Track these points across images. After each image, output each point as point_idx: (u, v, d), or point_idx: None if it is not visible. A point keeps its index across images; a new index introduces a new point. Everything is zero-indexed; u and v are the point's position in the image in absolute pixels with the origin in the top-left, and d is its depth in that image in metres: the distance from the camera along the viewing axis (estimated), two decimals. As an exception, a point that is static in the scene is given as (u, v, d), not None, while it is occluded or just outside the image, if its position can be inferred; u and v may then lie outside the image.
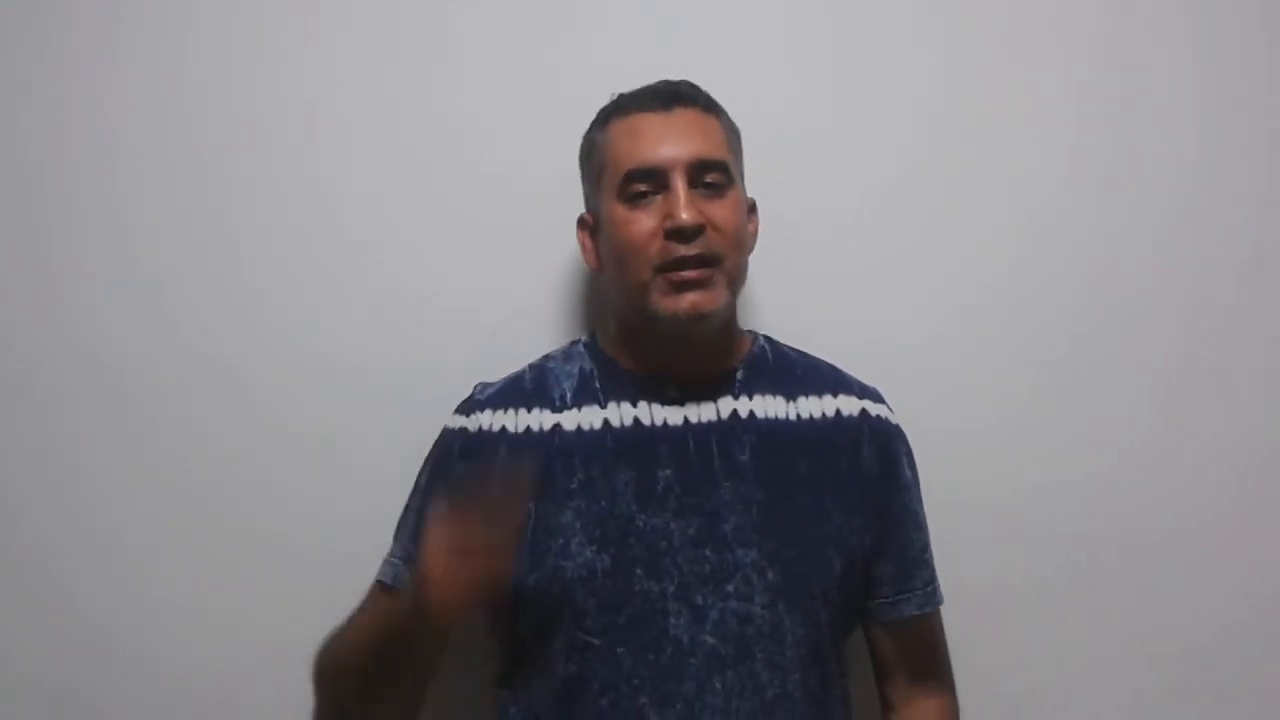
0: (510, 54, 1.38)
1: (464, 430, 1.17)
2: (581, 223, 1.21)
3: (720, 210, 1.11)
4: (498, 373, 1.23)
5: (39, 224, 1.36)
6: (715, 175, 1.12)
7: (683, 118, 1.14)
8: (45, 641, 1.35)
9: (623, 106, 1.17)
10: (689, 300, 1.10)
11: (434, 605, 0.99)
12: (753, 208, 1.20)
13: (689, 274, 1.09)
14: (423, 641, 1.07)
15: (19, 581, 1.36)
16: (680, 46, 1.35)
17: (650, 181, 1.11)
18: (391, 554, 1.19)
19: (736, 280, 1.14)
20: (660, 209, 1.11)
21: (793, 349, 1.24)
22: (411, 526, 1.17)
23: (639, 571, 1.10)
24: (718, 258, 1.11)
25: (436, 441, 1.20)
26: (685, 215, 1.09)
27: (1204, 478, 1.39)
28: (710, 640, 1.09)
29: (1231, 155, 1.41)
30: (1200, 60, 1.41)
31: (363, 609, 1.16)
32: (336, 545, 1.35)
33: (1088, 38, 1.41)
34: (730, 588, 1.10)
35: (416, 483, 1.20)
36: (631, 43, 1.36)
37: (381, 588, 1.18)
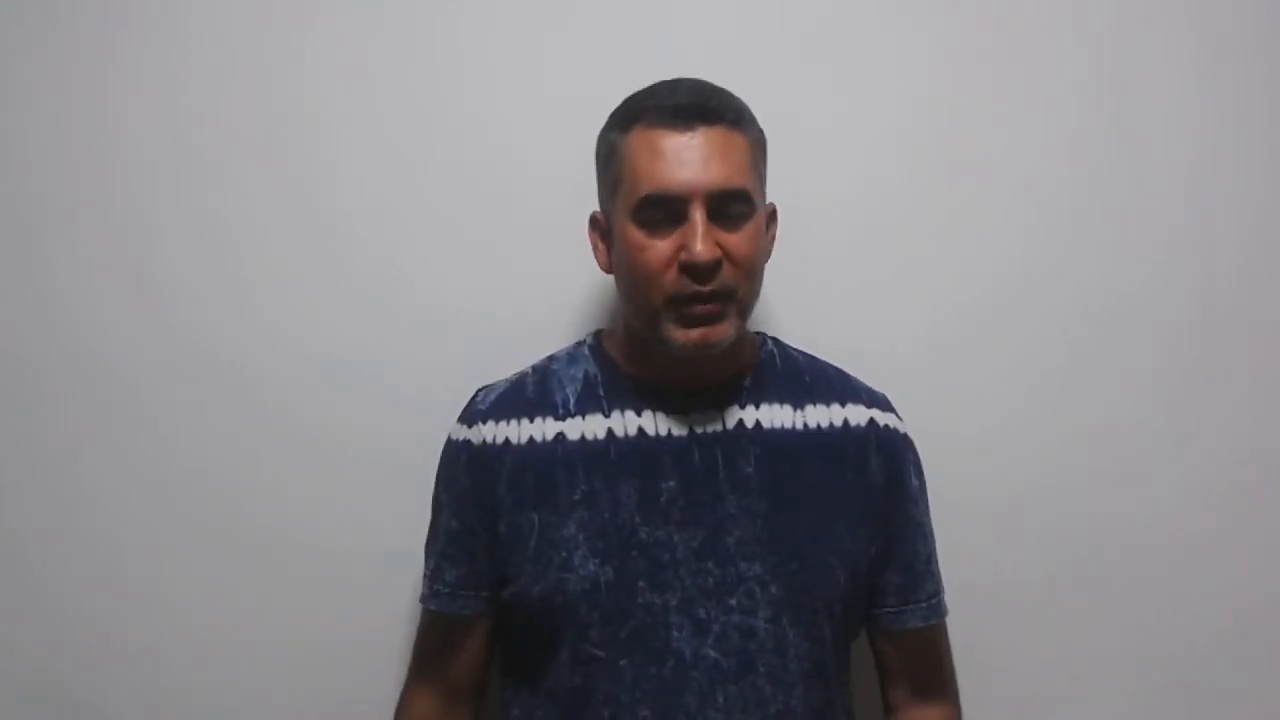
0: (512, 53, 1.37)
1: (468, 443, 1.16)
2: (594, 222, 1.18)
3: (739, 242, 1.08)
4: (498, 373, 1.22)
5: (39, 224, 1.36)
6: (736, 206, 1.08)
7: (706, 138, 1.08)
8: (45, 642, 1.35)
9: (644, 114, 1.10)
10: (699, 333, 1.08)
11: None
12: (773, 215, 1.18)
13: (701, 310, 1.08)
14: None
15: (19, 581, 1.36)
16: (683, 45, 1.35)
17: (666, 209, 1.07)
18: (433, 579, 1.18)
19: (748, 307, 1.12)
20: (676, 240, 1.07)
21: (800, 352, 1.23)
22: (441, 549, 1.18)
23: (642, 584, 1.09)
24: (732, 291, 1.08)
25: (443, 454, 1.19)
26: (701, 250, 1.05)
27: (1206, 479, 1.39)
28: (713, 654, 1.09)
29: (1232, 158, 1.40)
30: (1201, 61, 1.41)
31: (427, 653, 1.20)
32: (336, 545, 1.35)
33: (1090, 40, 1.40)
34: (733, 601, 1.10)
35: (434, 499, 1.20)
36: (632, 42, 1.36)
37: (440, 619, 1.18)
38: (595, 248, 1.19)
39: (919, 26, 1.39)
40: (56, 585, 1.36)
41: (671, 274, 1.08)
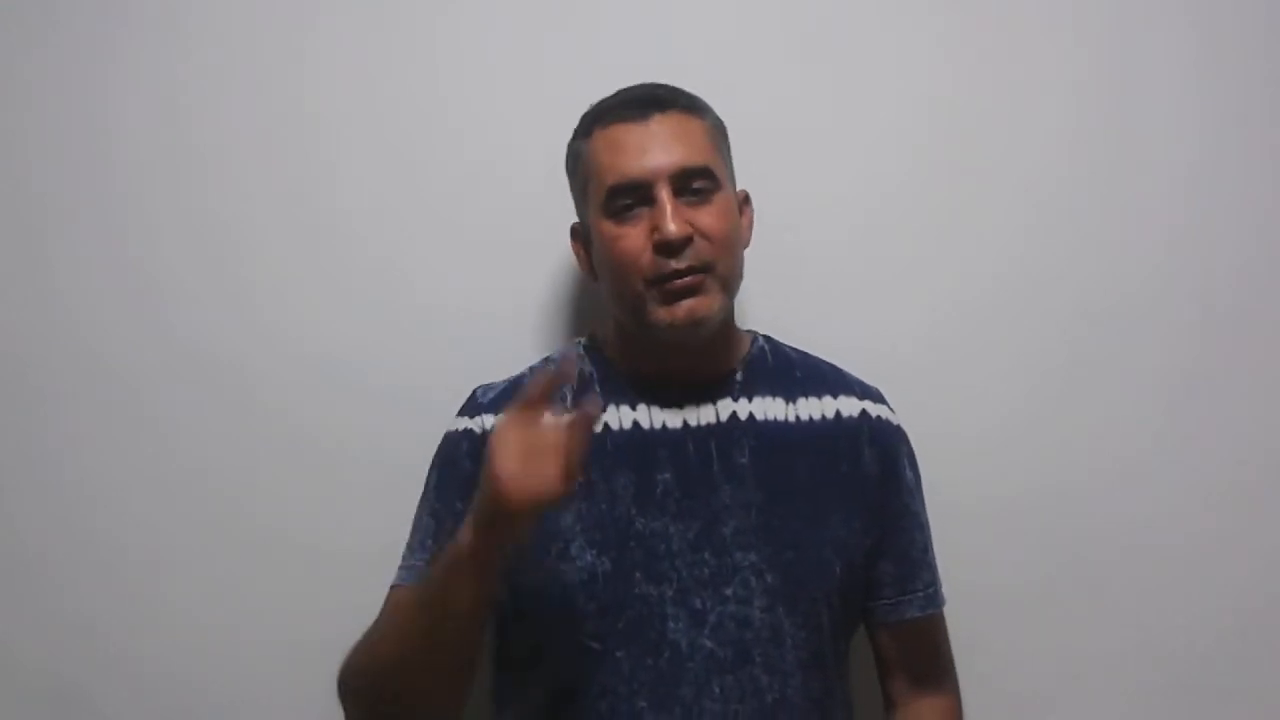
0: (511, 53, 1.38)
1: (470, 432, 1.17)
2: (574, 233, 1.21)
3: (708, 217, 1.10)
4: (498, 373, 1.23)
5: (39, 224, 1.36)
6: (700, 181, 1.11)
7: (663, 125, 1.12)
8: (45, 642, 1.35)
9: (601, 116, 1.15)
10: (684, 308, 1.09)
11: (511, 507, 0.96)
12: (745, 200, 1.20)
13: (681, 283, 1.09)
14: (458, 625, 1.03)
15: (19, 581, 1.36)
16: (680, 45, 1.35)
17: (634, 195, 1.10)
18: (411, 562, 1.17)
19: (731, 282, 1.13)
20: (647, 222, 1.10)
21: (793, 349, 1.24)
22: (429, 529, 1.16)
23: (638, 575, 1.10)
24: (710, 264, 1.10)
25: (441, 445, 1.20)
26: (671, 227, 1.08)
27: (1205, 478, 1.39)
28: (709, 644, 1.09)
29: (1232, 158, 1.40)
30: (1201, 61, 1.41)
31: (384, 613, 1.15)
32: (336, 545, 1.35)
33: (1090, 40, 1.41)
34: (729, 591, 1.10)
35: (425, 488, 1.20)
36: (632, 42, 1.36)
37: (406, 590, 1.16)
38: (578, 257, 1.21)
39: (919, 26, 1.40)
40: (56, 585, 1.36)
41: (647, 256, 1.09)
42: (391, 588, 1.17)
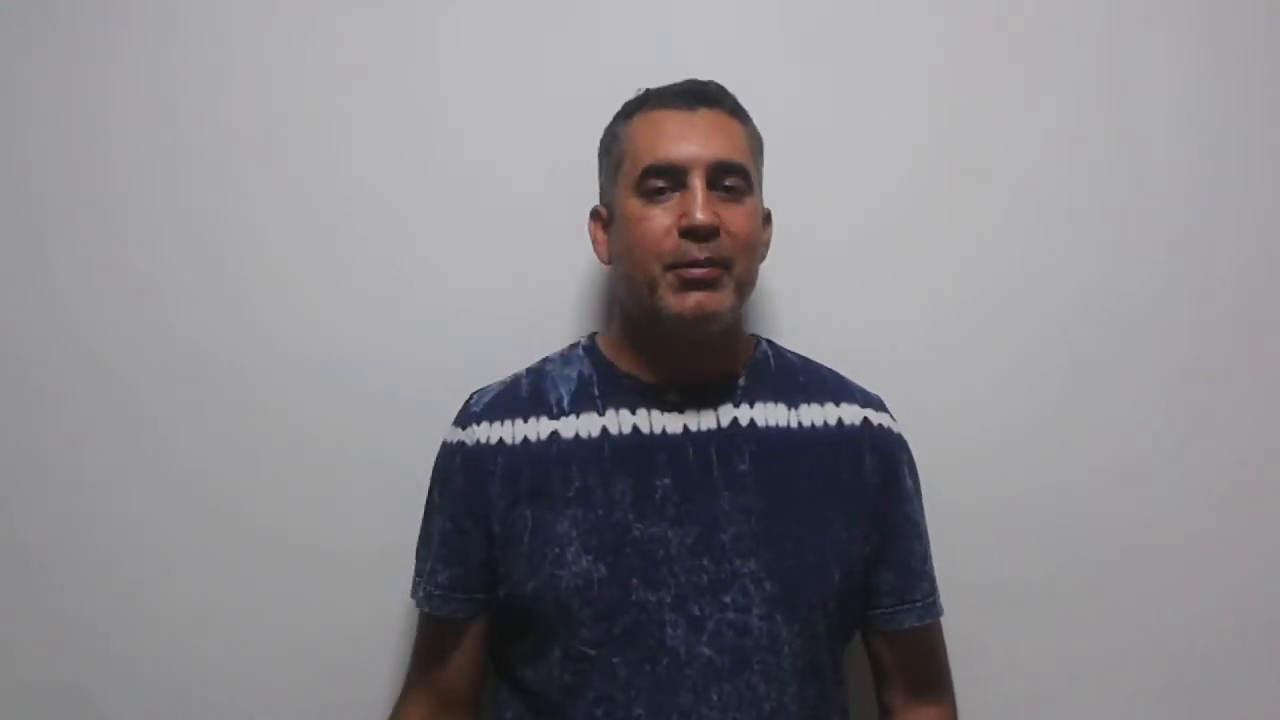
0: (513, 53, 1.37)
1: (462, 444, 1.17)
2: (594, 214, 1.20)
3: (736, 215, 1.11)
4: (498, 373, 1.23)
5: (39, 224, 1.36)
6: (734, 179, 1.12)
7: (707, 118, 1.13)
8: (45, 642, 1.35)
9: (648, 101, 1.16)
10: (695, 300, 1.09)
11: None
12: (768, 218, 1.20)
13: (698, 272, 1.09)
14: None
15: (19, 581, 1.36)
16: (683, 45, 1.35)
17: (668, 178, 1.11)
18: (425, 578, 1.18)
19: (745, 286, 1.13)
20: (676, 207, 1.10)
21: (795, 354, 1.24)
22: (434, 546, 1.17)
23: (635, 581, 1.10)
24: (729, 261, 1.10)
25: (438, 458, 1.20)
26: (701, 215, 1.08)
27: (1205, 479, 1.39)
28: (707, 651, 1.09)
29: (1232, 158, 1.40)
30: (1201, 61, 1.41)
31: (422, 657, 1.21)
32: (336, 545, 1.35)
33: (1090, 40, 1.40)
34: (728, 598, 1.10)
35: (428, 501, 1.20)
36: (632, 42, 1.36)
37: (434, 621, 1.19)
38: (595, 239, 1.20)
39: (919, 26, 1.39)
40: (56, 585, 1.36)
41: (671, 240, 1.09)
42: (419, 610, 1.19)
